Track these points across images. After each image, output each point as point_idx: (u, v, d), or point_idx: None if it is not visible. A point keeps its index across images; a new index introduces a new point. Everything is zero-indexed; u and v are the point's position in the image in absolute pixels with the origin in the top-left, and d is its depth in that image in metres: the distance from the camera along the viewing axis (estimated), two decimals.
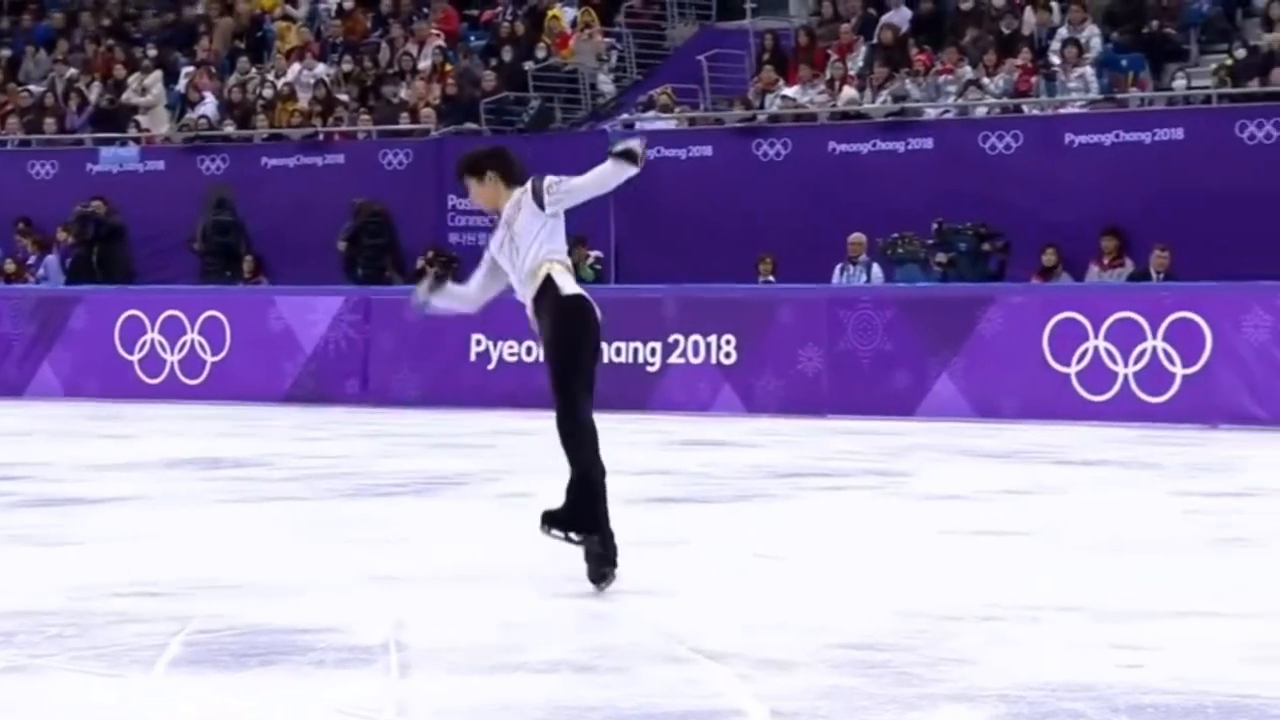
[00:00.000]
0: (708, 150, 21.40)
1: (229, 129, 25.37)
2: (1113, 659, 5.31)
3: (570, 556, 6.89)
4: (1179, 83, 20.42)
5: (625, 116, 23.16)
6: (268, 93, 25.79)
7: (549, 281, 7.09)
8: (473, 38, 26.82)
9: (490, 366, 18.93)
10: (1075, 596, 6.50)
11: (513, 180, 7.23)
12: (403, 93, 25.18)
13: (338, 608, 6.17)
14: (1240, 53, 20.20)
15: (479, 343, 18.83)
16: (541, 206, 7.07)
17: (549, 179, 7.12)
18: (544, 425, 16.77)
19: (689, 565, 7.49)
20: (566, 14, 25.41)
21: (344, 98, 25.53)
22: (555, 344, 7.07)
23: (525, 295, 7.25)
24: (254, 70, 26.63)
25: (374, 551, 7.78)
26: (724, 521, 9.20)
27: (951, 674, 5.09)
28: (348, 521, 8.94)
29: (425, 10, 27.13)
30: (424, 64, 25.61)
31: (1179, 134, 19.35)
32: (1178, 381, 15.93)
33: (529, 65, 24.62)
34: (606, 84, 24.71)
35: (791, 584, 6.98)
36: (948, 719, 4.53)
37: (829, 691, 4.79)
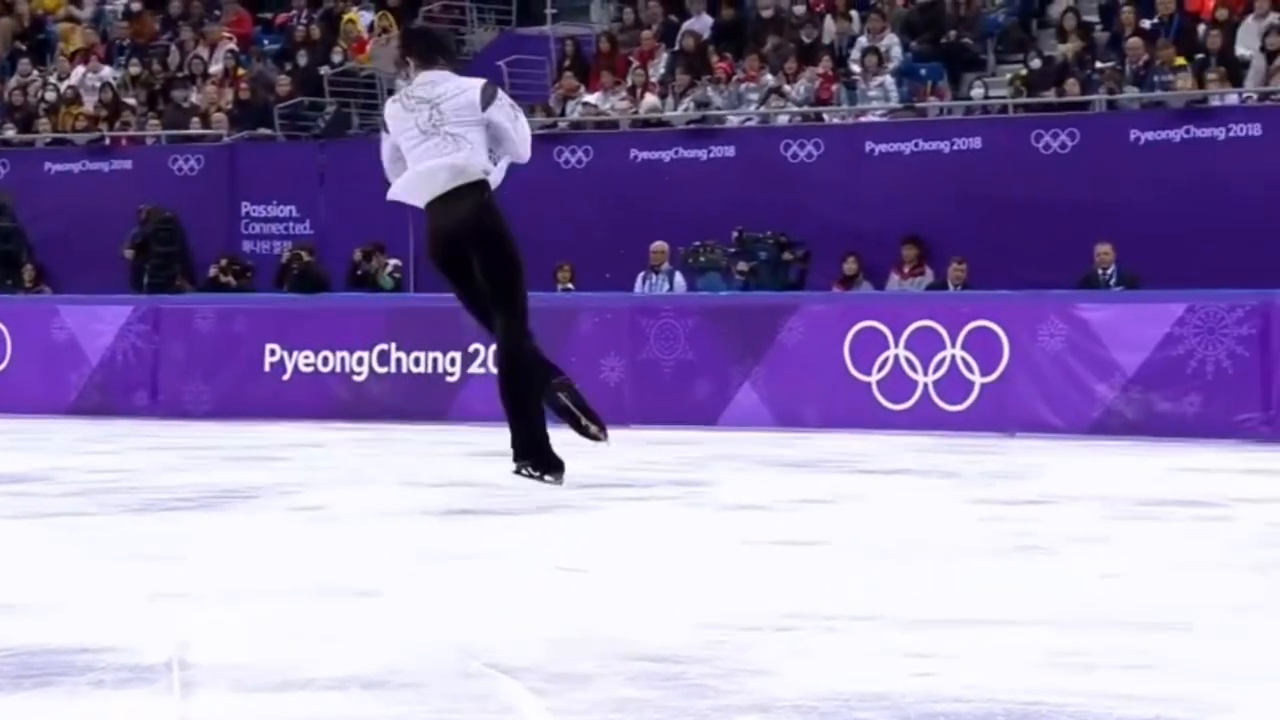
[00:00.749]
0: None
1: (10, 133, 24.82)
2: (907, 667, 5.38)
3: (381, 562, 6.82)
4: (977, 92, 20.83)
5: None
6: (50, 96, 25.28)
7: (484, 190, 7.33)
8: (266, 41, 26.56)
9: (285, 377, 18.72)
10: (872, 605, 6.58)
11: (431, 60, 7.60)
12: (193, 97, 24.83)
13: (119, 626, 6.05)
14: (1035, 63, 20.67)
15: (273, 353, 18.62)
16: (484, 107, 7.38)
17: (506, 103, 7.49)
18: (340, 437, 16.60)
19: (486, 578, 7.45)
20: (363, 18, 25.26)
21: (132, 102, 25.12)
22: (503, 260, 7.36)
23: (437, 183, 7.38)
24: (36, 73, 26.09)
25: (159, 568, 7.63)
26: (524, 534, 9.17)
27: (748, 685, 5.12)
28: (132, 537, 8.76)
29: (216, 13, 26.79)
30: (215, 68, 25.27)
31: (977, 143, 19.75)
32: (976, 390, 16.23)
33: (325, 70, 24.42)
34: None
35: (590, 596, 6.98)
36: None
37: (624, 704, 4.79)
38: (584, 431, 6.90)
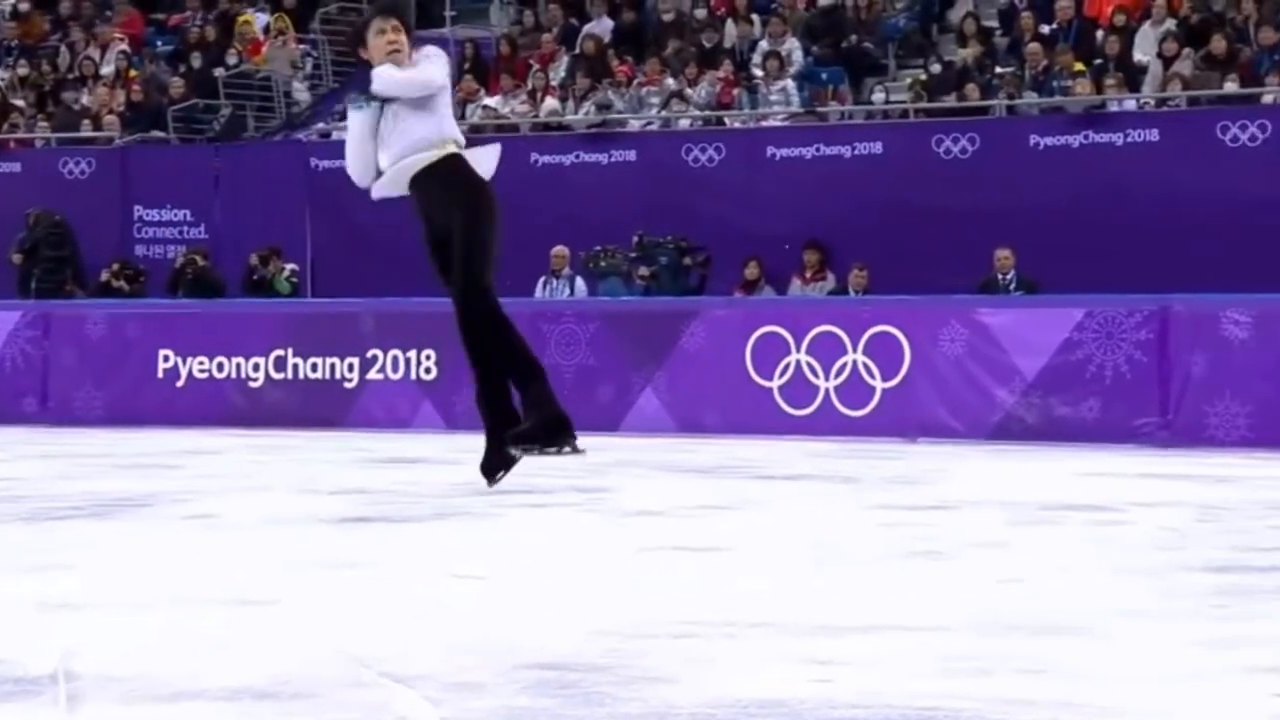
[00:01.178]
0: None
1: None
2: (805, 674, 5.41)
3: (275, 571, 6.77)
4: (878, 97, 20.97)
5: (321, 125, 22.96)
6: None
7: (458, 161, 7.29)
8: (159, 42, 26.34)
9: (179, 383, 18.58)
10: (771, 612, 6.61)
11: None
12: (84, 99, 24.59)
13: (4, 637, 5.98)
14: (936, 68, 20.83)
15: (167, 359, 18.47)
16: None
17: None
18: (235, 444, 16.47)
19: (382, 586, 7.42)
20: (259, 19, 25.11)
21: (20, 103, 24.84)
22: (474, 226, 7.33)
23: (409, 164, 7.33)
24: None
25: (47, 577, 7.55)
26: (421, 541, 9.14)
27: (644, 693, 5.13)
28: (20, 547, 8.66)
29: (108, 13, 26.55)
30: (107, 69, 25.05)
31: (878, 148, 19.88)
32: (877, 395, 16.33)
33: (219, 72, 24.26)
34: (302, 92, 24.47)
35: (487, 604, 6.97)
36: None
37: (519, 713, 4.79)
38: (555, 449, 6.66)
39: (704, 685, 5.25)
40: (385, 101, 7.13)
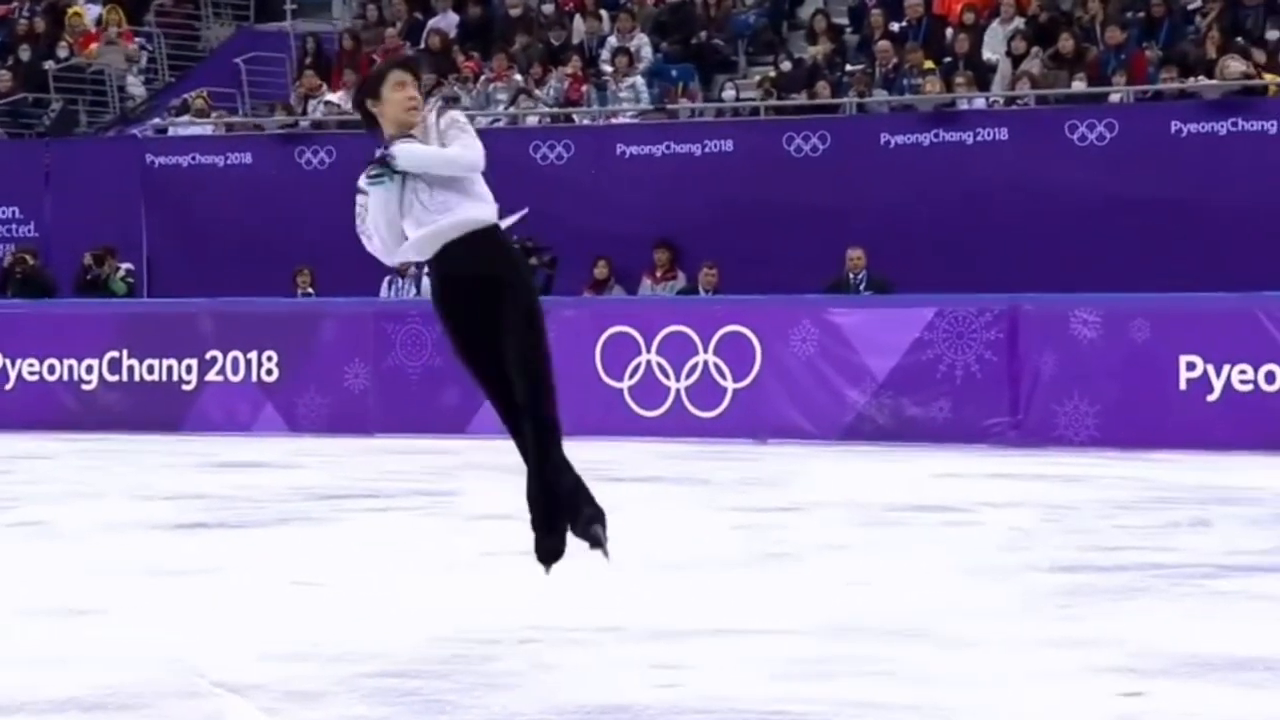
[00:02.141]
0: (247, 157, 21.11)
1: None
2: (650, 679, 5.42)
3: (107, 579, 6.67)
4: (728, 94, 21.04)
5: (157, 121, 22.67)
6: None
7: (496, 234, 6.67)
8: None
9: (8, 386, 18.28)
10: (617, 616, 6.62)
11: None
12: None
13: None
14: (786, 65, 20.94)
15: None
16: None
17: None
18: (67, 448, 16.19)
19: (218, 594, 7.34)
20: (90, 11, 24.72)
21: None
22: (532, 314, 6.69)
23: (440, 237, 6.58)
24: None
25: None
26: (260, 547, 9.06)
27: (486, 700, 5.12)
28: None
29: None
30: None
31: (729, 146, 19.94)
32: (729, 396, 16.40)
33: (49, 65, 23.86)
34: (136, 86, 24.13)
35: (327, 611, 6.92)
36: None
37: None
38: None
39: (547, 691, 5.25)
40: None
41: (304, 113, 21.76)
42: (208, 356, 17.69)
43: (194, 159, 21.21)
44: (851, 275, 18.11)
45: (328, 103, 21.71)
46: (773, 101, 20.30)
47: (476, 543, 9.10)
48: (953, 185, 18.84)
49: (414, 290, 19.19)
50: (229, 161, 21.06)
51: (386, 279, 19.32)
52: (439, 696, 5.15)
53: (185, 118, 22.09)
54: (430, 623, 6.48)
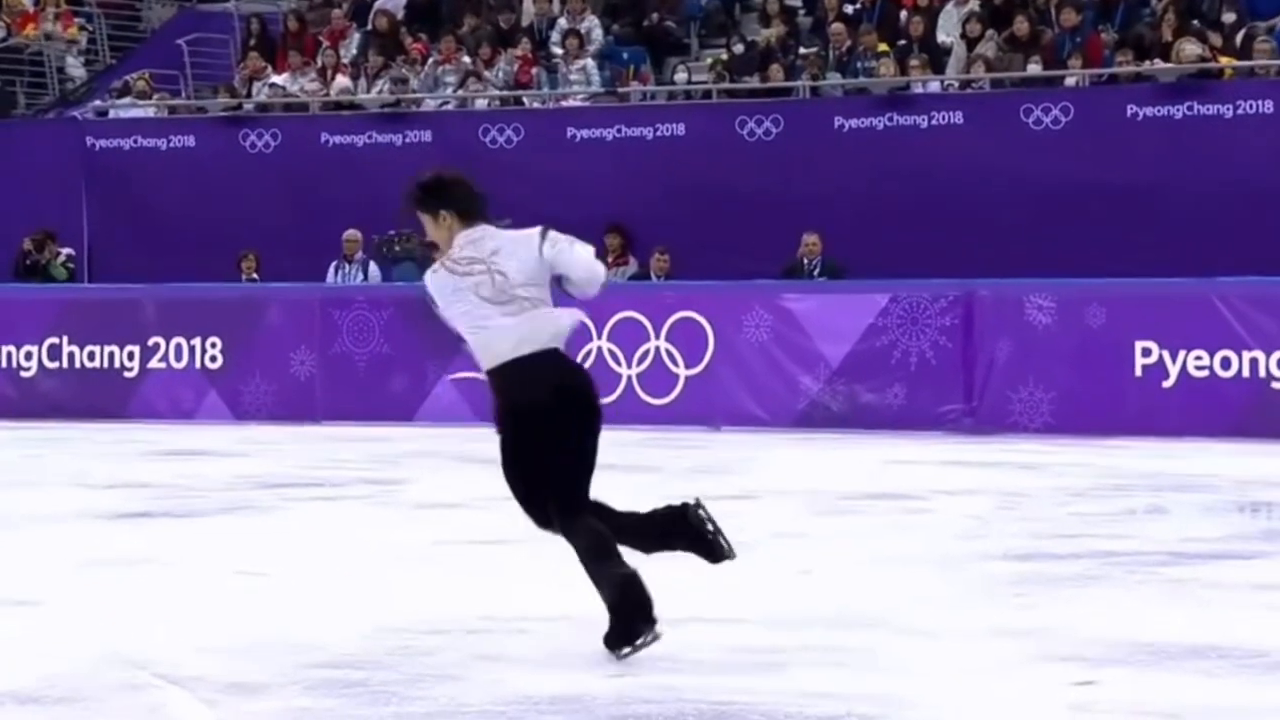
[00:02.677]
0: (190, 140, 20.99)
1: None
2: (599, 669, 5.42)
3: (46, 569, 6.61)
4: (680, 77, 21.01)
5: (98, 103, 22.52)
6: None
7: (564, 355, 6.19)
8: None
9: None
10: (565, 605, 6.62)
11: (471, 216, 6.33)
12: None
13: None
14: (738, 48, 20.93)
15: None
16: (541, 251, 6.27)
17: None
18: (4, 436, 16.03)
19: (161, 585, 7.31)
20: None
21: None
22: (590, 433, 6.16)
23: (513, 349, 6.13)
24: None
25: None
26: (204, 537, 9.03)
27: (433, 691, 5.12)
28: None
29: None
30: None
31: (681, 130, 19.92)
32: (681, 383, 16.40)
33: None
34: (76, 67, 23.97)
35: (272, 602, 6.90)
36: None
37: (299, 714, 4.75)
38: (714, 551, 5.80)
39: (494, 682, 5.24)
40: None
41: (248, 95, 21.65)
42: (150, 343, 17.59)
43: (136, 142, 21.07)
44: (806, 261, 18.12)
45: (272, 85, 21.60)
46: (725, 85, 20.29)
47: (424, 532, 9.08)
48: (907, 169, 18.86)
49: (361, 276, 19.12)
50: (172, 145, 20.94)
51: (333, 264, 19.24)
52: (385, 688, 5.14)
53: (127, 100, 21.95)
54: (377, 613, 6.47)
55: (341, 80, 21.69)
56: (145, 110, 21.71)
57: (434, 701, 4.97)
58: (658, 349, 16.58)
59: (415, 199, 6.43)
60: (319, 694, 5.04)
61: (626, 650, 5.51)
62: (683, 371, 16.46)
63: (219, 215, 20.33)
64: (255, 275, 19.32)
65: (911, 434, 15.37)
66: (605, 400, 18.08)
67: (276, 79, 21.74)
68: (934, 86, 19.71)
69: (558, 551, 8.23)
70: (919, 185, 18.80)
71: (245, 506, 10.36)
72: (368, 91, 21.49)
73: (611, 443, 15.35)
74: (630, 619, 5.63)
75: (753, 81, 20.27)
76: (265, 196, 20.45)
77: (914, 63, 19.79)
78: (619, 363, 16.64)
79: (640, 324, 16.66)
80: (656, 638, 5.57)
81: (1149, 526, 9.62)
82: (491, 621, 6.30)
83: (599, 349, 16.67)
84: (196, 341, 17.46)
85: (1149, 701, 5.05)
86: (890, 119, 19.31)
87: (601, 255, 20.39)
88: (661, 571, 7.49)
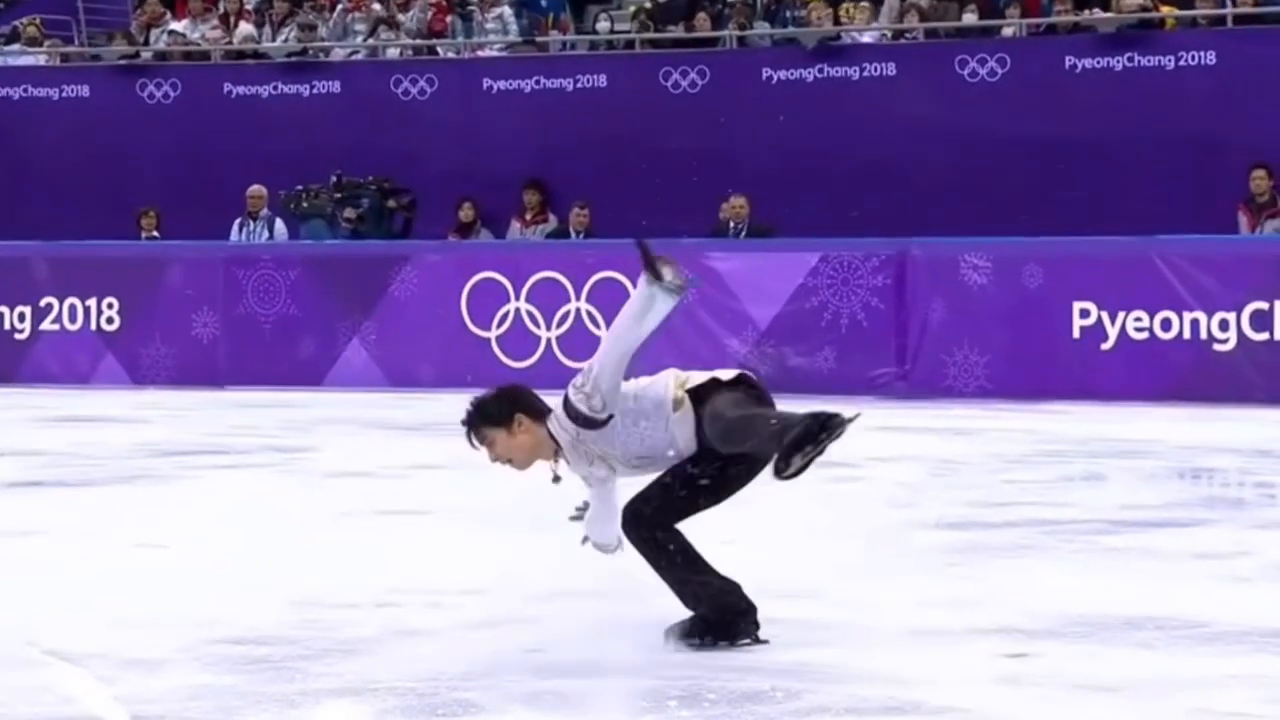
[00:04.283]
0: (84, 90, 20.81)
1: None
2: (515, 643, 5.44)
3: None
4: (602, 26, 20.98)
5: None
6: None
7: (686, 404, 5.71)
8: None
9: None
10: (480, 578, 6.63)
11: (539, 415, 5.86)
12: None
13: None
14: None
15: None
16: (582, 417, 5.71)
17: (574, 381, 5.86)
18: None
19: (55, 557, 7.28)
20: None
21: None
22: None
23: (668, 450, 5.71)
24: None
25: None
26: (100, 507, 9.00)
27: (339, 666, 5.12)
28: None
29: None
30: None
31: (602, 81, 19.90)
32: None
33: None
34: None
35: (172, 575, 6.88)
36: (329, 716, 4.55)
37: (200, 691, 4.74)
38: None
39: (405, 657, 5.25)
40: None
41: (146, 43, 21.47)
42: (43, 304, 17.48)
43: (26, 91, 20.87)
44: (733, 224, 18.10)
45: (172, 32, 21.44)
46: (649, 34, 20.27)
47: (333, 502, 9.07)
48: (838, 123, 18.91)
49: (267, 233, 19.03)
50: (64, 94, 20.76)
51: (237, 221, 19.13)
52: (290, 664, 5.14)
53: (15, 46, 21.73)
54: (282, 586, 6.46)
55: (245, 27, 21.54)
56: (35, 58, 21.50)
57: (341, 677, 4.98)
58: (578, 310, 16.59)
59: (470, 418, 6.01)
60: (221, 670, 5.03)
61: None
62: (604, 334, 16.44)
63: (116, 170, 20.19)
64: (155, 233, 19.20)
65: (842, 399, 15.40)
66: (523, 363, 18.05)
67: (176, 25, 21.58)
68: (867, 37, 19.74)
69: (478, 522, 8.24)
70: (850, 140, 18.85)
71: (144, 475, 10.33)
72: (273, 39, 21.35)
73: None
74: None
75: (677, 31, 20.27)
76: (165, 150, 20.31)
77: (845, 12, 19.82)
78: (538, 325, 16.65)
79: (560, 284, 16.67)
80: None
81: (1086, 494, 9.71)
82: (401, 594, 6.30)
83: (517, 310, 16.67)
84: (92, 302, 17.37)
85: (1083, 674, 5.11)
86: (820, 70, 19.34)
87: (520, 213, 20.35)
88: (579, 543, 7.50)
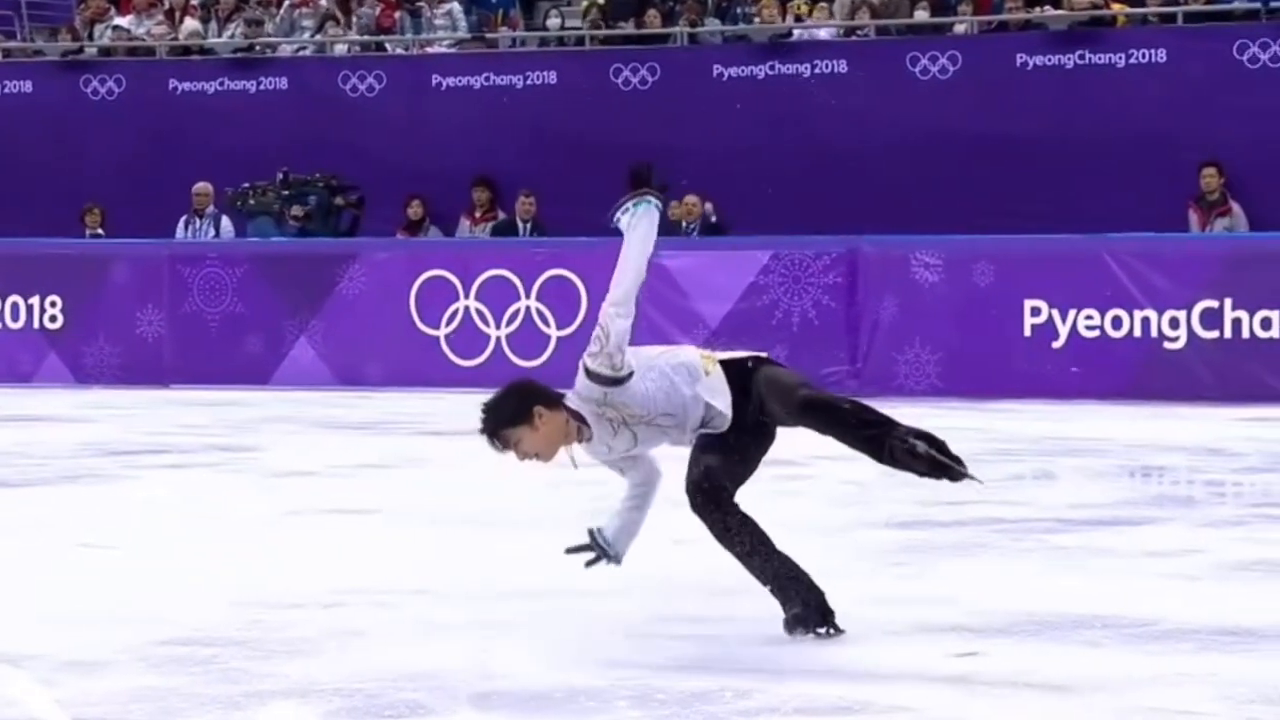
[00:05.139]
0: (27, 86, 20.71)
1: None
2: (463, 644, 5.43)
3: None
4: (552, 22, 20.98)
5: None
6: None
7: (718, 370, 5.90)
8: None
9: None
10: (428, 578, 6.63)
11: (555, 402, 5.89)
12: None
13: None
14: None
15: None
16: (605, 378, 5.79)
17: (588, 351, 5.90)
18: None
19: None
20: None
21: None
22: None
23: (698, 418, 5.93)
24: None
25: None
26: (44, 507, 8.96)
27: (285, 668, 5.11)
28: None
29: None
30: None
31: (552, 78, 19.89)
32: (553, 344, 16.42)
33: None
34: None
35: (115, 575, 6.86)
36: (274, 717, 4.54)
37: (142, 693, 4.72)
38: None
39: (351, 658, 5.24)
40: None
41: (90, 38, 21.38)
42: None
43: None
44: (685, 223, 18.10)
45: (116, 27, 21.35)
46: (599, 31, 20.27)
47: (278, 502, 9.05)
48: (789, 120, 18.95)
49: (213, 231, 18.97)
50: (7, 90, 20.65)
51: (183, 219, 19.07)
52: (235, 665, 5.13)
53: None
54: (227, 587, 6.44)
55: (191, 23, 21.47)
56: None
57: (287, 679, 4.96)
58: (528, 309, 16.59)
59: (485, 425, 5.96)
60: (165, 672, 5.02)
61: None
62: (554, 332, 16.48)
63: (60, 167, 20.10)
64: (100, 230, 19.13)
65: None
66: (472, 362, 18.07)
67: (120, 21, 21.49)
68: (819, 34, 19.78)
69: (426, 522, 8.24)
70: (801, 137, 18.89)
71: (88, 475, 10.29)
72: (219, 35, 21.28)
73: (477, 406, 15.28)
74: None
75: (628, 27, 20.27)
76: (110, 147, 20.22)
77: (796, 8, 19.86)
78: (487, 323, 16.64)
79: (510, 282, 16.66)
80: None
81: (1036, 492, 9.75)
82: (348, 595, 6.29)
83: (466, 309, 16.65)
84: (35, 300, 17.30)
85: (1033, 672, 5.13)
86: (771, 67, 19.37)
87: (469, 210, 20.35)
88: (530, 542, 7.51)
